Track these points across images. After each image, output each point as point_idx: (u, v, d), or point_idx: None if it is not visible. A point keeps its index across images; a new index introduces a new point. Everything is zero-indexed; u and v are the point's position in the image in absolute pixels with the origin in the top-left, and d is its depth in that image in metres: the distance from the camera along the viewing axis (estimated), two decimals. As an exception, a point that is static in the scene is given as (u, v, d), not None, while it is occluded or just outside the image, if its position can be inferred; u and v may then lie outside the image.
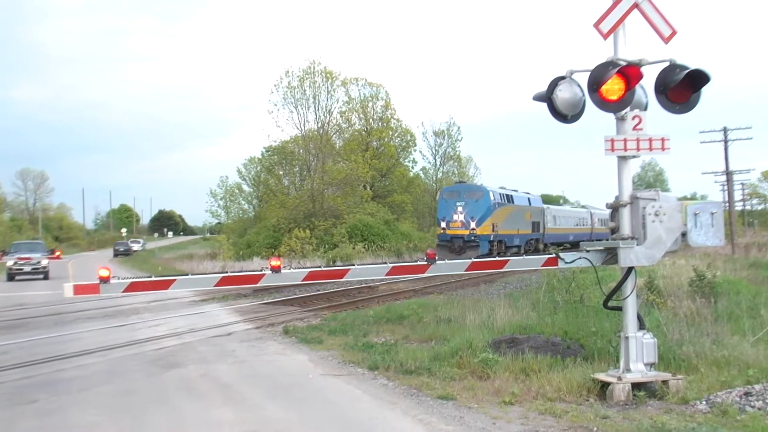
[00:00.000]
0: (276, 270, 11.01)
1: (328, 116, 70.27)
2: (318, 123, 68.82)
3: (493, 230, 49.33)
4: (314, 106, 68.82)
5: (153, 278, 11.85)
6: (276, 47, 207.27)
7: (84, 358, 14.41)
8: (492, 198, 50.60)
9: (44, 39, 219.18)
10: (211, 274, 12.88)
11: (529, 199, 61.20)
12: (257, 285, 11.86)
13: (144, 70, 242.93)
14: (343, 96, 73.31)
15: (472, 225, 47.90)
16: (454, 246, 47.41)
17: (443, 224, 49.28)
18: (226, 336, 17.22)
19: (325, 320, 19.27)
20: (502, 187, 57.61)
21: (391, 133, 77.97)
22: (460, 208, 48.83)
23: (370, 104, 76.91)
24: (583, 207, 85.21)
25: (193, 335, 17.34)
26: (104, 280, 10.35)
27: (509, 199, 55.24)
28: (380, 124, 77.32)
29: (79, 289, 10.49)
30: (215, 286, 11.50)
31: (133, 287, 11.07)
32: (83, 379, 12.44)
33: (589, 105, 10.62)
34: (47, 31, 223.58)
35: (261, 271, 11.41)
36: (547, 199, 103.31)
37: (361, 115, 76.26)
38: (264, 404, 10.35)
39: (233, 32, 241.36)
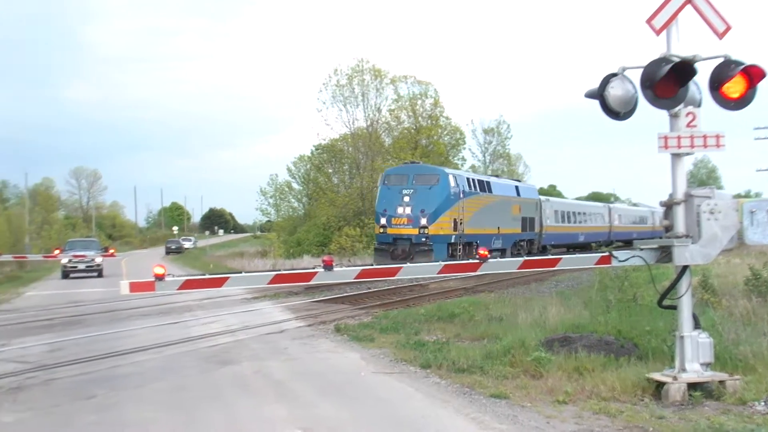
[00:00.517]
0: (329, 267, 11.07)
1: (377, 114, 70.40)
2: (367, 121, 68.97)
3: (455, 228, 37.77)
4: (363, 104, 69.00)
5: (207, 276, 12.02)
6: (324, 45, 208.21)
7: (139, 355, 14.59)
8: (453, 184, 38.29)
9: (95, 39, 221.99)
10: (264, 272, 12.97)
11: (517, 188, 48.63)
12: (310, 282, 11.93)
13: (193, 69, 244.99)
14: (392, 94, 73.25)
15: (423, 221, 36.25)
16: (397, 251, 36.00)
17: (383, 220, 37.34)
18: (278, 333, 17.32)
19: (377, 318, 19.29)
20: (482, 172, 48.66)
21: (440, 130, 77.64)
22: (406, 198, 37.03)
23: (419, 102, 76.76)
24: (605, 200, 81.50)
25: (246, 332, 17.46)
26: (159, 278, 10.47)
27: (484, 186, 42.97)
28: (429, 121, 77.11)
29: (135, 287, 10.63)
30: (268, 284, 11.61)
31: (187, 285, 11.23)
32: (139, 375, 12.60)
33: (642, 101, 10.54)
34: (98, 31, 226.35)
35: (313, 269, 11.49)
36: (597, 197, 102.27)
37: (410, 113, 76.14)
38: (317, 401, 10.41)
39: (281, 31, 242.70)
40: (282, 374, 12.44)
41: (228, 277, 11.47)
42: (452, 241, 37.54)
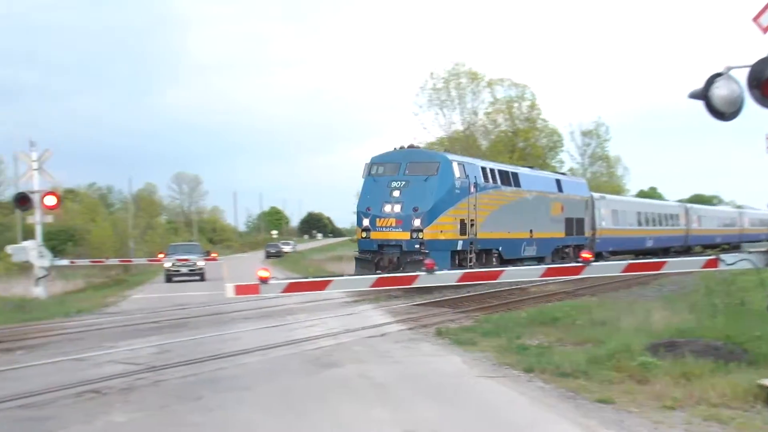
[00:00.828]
0: (430, 271, 11.12)
1: (473, 117, 70.37)
2: (464, 124, 69.02)
3: (463, 232, 30.29)
4: (459, 108, 69.06)
5: (310, 279, 12.19)
6: (419, 49, 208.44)
7: (244, 357, 14.81)
8: (458, 174, 30.37)
9: (192, 46, 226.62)
10: (366, 275, 13.09)
11: (558, 181, 40.74)
12: (411, 286, 12.01)
13: (289, 74, 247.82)
14: (489, 97, 73.14)
15: (416, 222, 28.74)
16: (384, 261, 29.06)
17: (365, 221, 29.85)
18: (379, 337, 17.39)
19: (478, 322, 19.18)
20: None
21: (537, 133, 77.19)
22: (396, 193, 29.42)
23: (516, 105, 76.39)
24: (707, 203, 77.34)
25: (348, 335, 17.58)
26: (264, 281, 10.65)
27: (508, 178, 35.10)
28: (526, 124, 76.64)
29: (240, 290, 10.86)
30: (371, 287, 11.73)
31: (291, 288, 11.44)
32: (244, 377, 12.80)
33: (748, 101, 10.32)
34: (195, 38, 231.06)
35: (415, 272, 11.56)
36: (699, 200, 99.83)
37: (507, 116, 75.79)
38: (420, 405, 10.44)
39: (375, 35, 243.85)
40: (385, 377, 12.48)
41: (331, 280, 11.67)
42: (459, 248, 30.32)
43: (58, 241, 57.63)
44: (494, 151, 68.76)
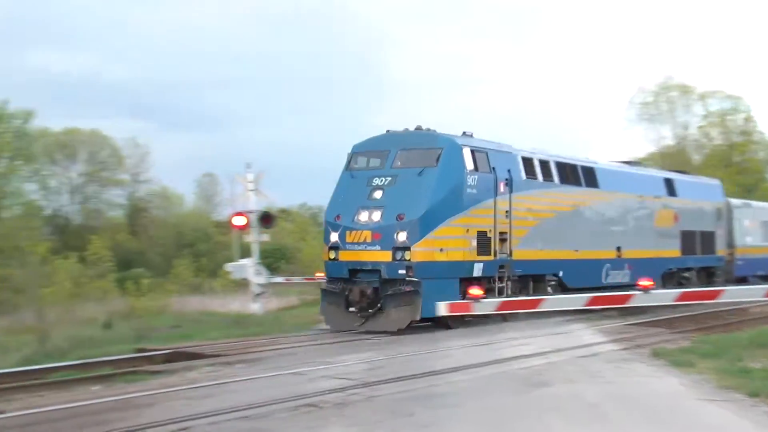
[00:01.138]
0: (646, 290, 10.86)
1: (685, 131, 68.35)
2: (675, 139, 67.13)
3: (484, 250, 21.91)
4: (670, 122, 67.25)
5: (523, 298, 12.12)
6: (623, 63, 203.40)
7: (454, 375, 14.80)
8: (472, 165, 21.85)
9: (394, 67, 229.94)
10: (579, 294, 12.91)
11: (669, 181, 30.97)
12: (626, 305, 11.75)
13: (488, 92, 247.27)
14: (701, 110, 70.92)
15: (401, 237, 20.45)
16: (354, 294, 20.99)
17: (334, 236, 21.52)
18: (591, 356, 16.99)
19: (695, 343, 18.44)
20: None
21: (754, 146, 73.97)
22: (377, 193, 21.22)
23: (730, 117, 73.54)
24: None
25: (558, 355, 17.26)
26: (476, 299, 10.69)
27: (575, 175, 26.09)
28: (742, 137, 73.61)
29: (453, 308, 10.94)
30: (585, 306, 11.55)
31: (504, 306, 11.43)
32: (454, 395, 12.79)
33: None
34: (396, 59, 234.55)
35: (629, 291, 11.32)
36: None
37: (721, 130, 73.12)
38: (636, 427, 10.18)
39: (578, 51, 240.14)
40: (597, 398, 12.20)
41: (543, 299, 11.60)
42: (476, 273, 21.68)
43: (272, 259, 59.58)
44: (708, 166, 66.45)
